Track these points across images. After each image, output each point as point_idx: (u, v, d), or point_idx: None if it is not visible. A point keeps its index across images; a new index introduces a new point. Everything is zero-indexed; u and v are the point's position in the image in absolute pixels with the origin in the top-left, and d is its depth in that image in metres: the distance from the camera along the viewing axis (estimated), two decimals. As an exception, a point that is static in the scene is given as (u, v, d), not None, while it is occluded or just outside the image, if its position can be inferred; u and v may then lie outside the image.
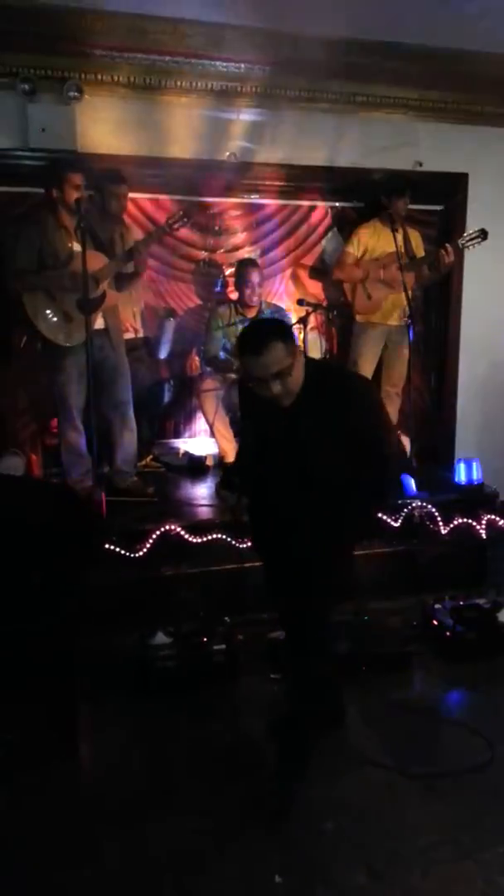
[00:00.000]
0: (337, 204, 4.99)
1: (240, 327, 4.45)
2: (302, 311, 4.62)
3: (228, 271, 4.91)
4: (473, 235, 4.32)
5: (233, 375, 4.40)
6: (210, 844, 2.21)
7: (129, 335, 4.36)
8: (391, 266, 4.38)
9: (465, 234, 4.39)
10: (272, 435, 2.41)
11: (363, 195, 4.90)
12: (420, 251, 4.60)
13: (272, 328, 2.35)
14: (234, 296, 4.70)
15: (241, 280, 4.41)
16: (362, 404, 2.45)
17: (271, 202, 4.89)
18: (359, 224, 4.65)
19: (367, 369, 4.63)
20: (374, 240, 4.49)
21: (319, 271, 5.11)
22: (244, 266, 4.46)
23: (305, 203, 4.92)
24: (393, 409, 4.86)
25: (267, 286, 4.76)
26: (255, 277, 4.40)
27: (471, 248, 4.36)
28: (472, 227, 4.49)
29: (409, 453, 4.61)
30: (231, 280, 4.85)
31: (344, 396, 2.38)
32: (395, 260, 4.33)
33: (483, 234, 4.29)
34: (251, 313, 4.46)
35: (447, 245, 4.38)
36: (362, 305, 4.54)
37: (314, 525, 2.33)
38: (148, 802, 2.40)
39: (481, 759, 2.60)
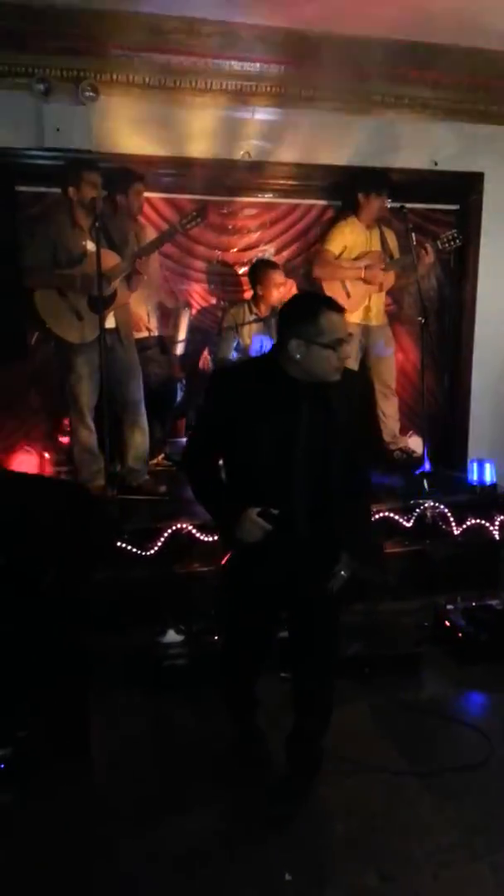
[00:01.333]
0: (340, 203, 4.94)
1: (254, 327, 4.45)
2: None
3: (241, 270, 4.90)
4: (451, 237, 4.38)
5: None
6: (220, 843, 2.21)
7: (143, 334, 4.37)
8: (373, 266, 4.39)
9: (442, 236, 4.42)
10: (267, 433, 2.09)
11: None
12: (396, 251, 4.59)
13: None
14: (247, 295, 4.69)
15: (266, 281, 4.38)
16: (368, 396, 2.33)
17: (285, 201, 4.87)
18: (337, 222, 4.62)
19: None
20: (352, 238, 4.48)
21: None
22: (269, 269, 4.43)
23: (319, 202, 4.90)
24: (392, 408, 4.83)
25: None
26: (281, 279, 4.39)
27: (448, 248, 4.43)
28: (487, 227, 4.47)
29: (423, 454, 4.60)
30: (245, 279, 4.84)
31: (352, 386, 2.20)
32: (376, 259, 4.33)
33: (458, 238, 4.38)
34: (265, 313, 4.45)
35: (427, 245, 4.38)
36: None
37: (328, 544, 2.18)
38: (158, 800, 2.41)
39: (493, 762, 2.58)
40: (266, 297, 4.38)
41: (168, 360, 4.60)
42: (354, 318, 4.51)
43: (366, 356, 4.69)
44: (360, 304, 4.50)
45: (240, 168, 4.40)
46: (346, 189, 4.64)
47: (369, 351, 4.67)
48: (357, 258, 4.46)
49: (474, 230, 4.91)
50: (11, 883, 2.07)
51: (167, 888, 2.05)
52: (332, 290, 4.50)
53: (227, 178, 4.49)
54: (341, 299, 4.43)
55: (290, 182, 4.65)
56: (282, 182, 4.64)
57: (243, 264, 4.89)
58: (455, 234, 4.40)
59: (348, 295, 4.49)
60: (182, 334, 4.63)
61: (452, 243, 4.41)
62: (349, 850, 2.19)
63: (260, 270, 4.42)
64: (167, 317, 4.69)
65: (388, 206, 4.54)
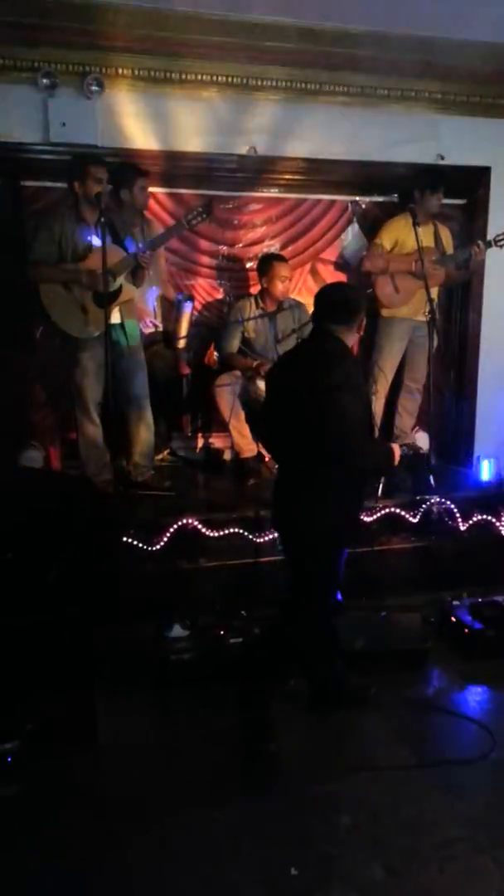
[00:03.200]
0: (357, 198, 4.95)
1: (259, 323, 4.44)
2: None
3: (247, 265, 4.89)
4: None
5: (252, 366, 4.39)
6: (227, 836, 2.21)
7: (149, 329, 4.37)
8: (425, 259, 4.36)
9: (500, 233, 4.39)
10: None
11: (385, 189, 4.86)
12: (450, 247, 4.58)
13: None
14: (254, 290, 4.69)
15: (273, 275, 4.37)
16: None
17: (291, 196, 4.86)
18: (382, 218, 4.64)
19: (389, 365, 4.61)
20: (404, 234, 4.47)
21: (341, 266, 5.08)
22: (275, 261, 4.42)
23: (325, 197, 4.89)
24: (413, 406, 4.83)
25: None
26: (287, 272, 4.38)
27: (501, 245, 4.40)
28: (494, 221, 4.44)
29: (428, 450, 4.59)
30: (250, 274, 4.83)
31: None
32: (427, 254, 4.31)
33: None
34: (271, 307, 4.44)
35: (479, 242, 4.39)
36: (389, 299, 4.51)
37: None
38: (164, 794, 2.41)
39: (497, 756, 2.58)
40: (271, 290, 4.38)
41: (174, 354, 4.59)
42: (402, 313, 4.52)
43: (408, 351, 4.70)
44: (409, 298, 4.50)
45: (246, 163, 4.38)
46: (383, 185, 4.69)
47: (413, 346, 4.66)
48: (409, 254, 4.45)
49: (481, 224, 4.88)
50: (17, 876, 2.07)
51: (173, 882, 2.06)
52: (382, 283, 4.50)
53: (232, 172, 4.48)
54: (390, 294, 4.46)
55: (296, 177, 4.64)
56: (288, 177, 4.63)
57: (249, 259, 4.88)
58: None
59: (397, 290, 4.49)
60: (184, 329, 4.61)
61: None
62: (355, 844, 2.19)
63: (266, 263, 4.42)
64: (170, 311, 4.67)
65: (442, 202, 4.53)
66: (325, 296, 2.68)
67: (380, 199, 4.96)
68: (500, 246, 4.39)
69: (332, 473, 2.48)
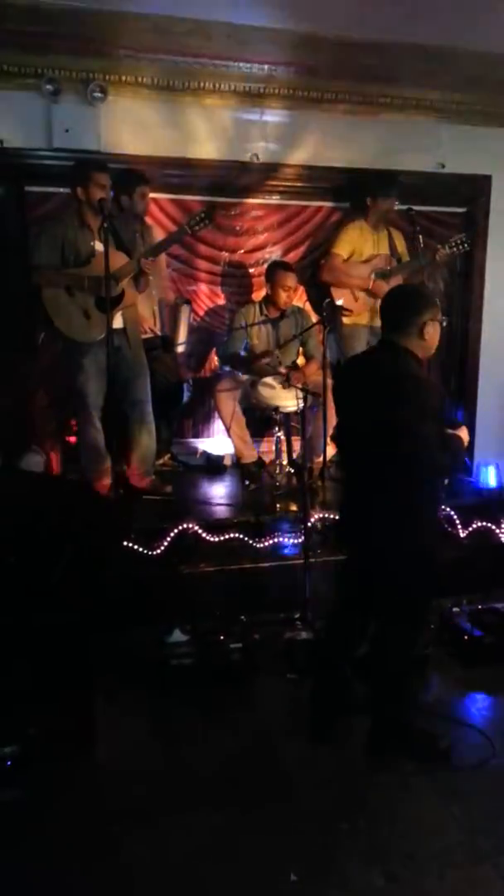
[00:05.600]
0: (349, 205, 4.95)
1: (262, 328, 4.46)
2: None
3: (250, 272, 4.91)
4: (459, 241, 4.39)
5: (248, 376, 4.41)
6: (225, 843, 2.21)
7: (149, 335, 4.37)
8: (382, 267, 4.41)
9: (450, 240, 4.43)
10: None
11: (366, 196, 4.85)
12: (405, 253, 4.59)
13: None
14: (256, 296, 4.71)
15: (276, 283, 4.38)
16: None
17: (293, 203, 4.88)
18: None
19: None
20: (360, 242, 4.48)
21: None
22: (279, 270, 4.42)
23: (327, 204, 4.91)
24: None
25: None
26: (291, 282, 4.40)
27: (456, 252, 4.44)
28: (495, 230, 4.45)
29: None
30: (253, 281, 4.85)
31: None
32: (384, 261, 4.34)
33: (465, 242, 4.40)
34: (274, 314, 4.46)
35: (439, 248, 4.41)
36: (350, 307, 4.51)
37: None
38: (165, 798, 2.41)
39: (497, 763, 2.58)
40: (274, 298, 4.40)
41: (174, 360, 4.60)
42: (362, 319, 4.52)
43: None
44: (367, 306, 4.50)
45: (248, 170, 4.41)
46: (353, 191, 4.65)
47: None
48: (366, 261, 4.46)
49: (482, 233, 4.90)
50: (18, 878, 2.07)
51: (172, 887, 2.05)
52: (340, 293, 4.50)
53: (235, 179, 4.50)
54: (349, 302, 4.47)
55: (298, 184, 4.65)
56: (290, 184, 4.65)
57: (251, 265, 4.90)
58: (463, 238, 4.41)
59: (355, 298, 4.50)
60: (183, 334, 4.62)
61: (461, 247, 4.41)
62: (355, 850, 2.19)
63: (271, 270, 4.44)
64: (168, 316, 4.69)
65: (396, 208, 4.55)
66: (384, 300, 2.55)
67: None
68: (455, 252, 4.43)
69: (414, 491, 2.38)
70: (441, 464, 2.49)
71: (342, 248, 4.50)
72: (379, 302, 4.32)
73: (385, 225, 4.56)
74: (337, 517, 2.84)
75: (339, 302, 4.44)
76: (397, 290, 2.92)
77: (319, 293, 4.65)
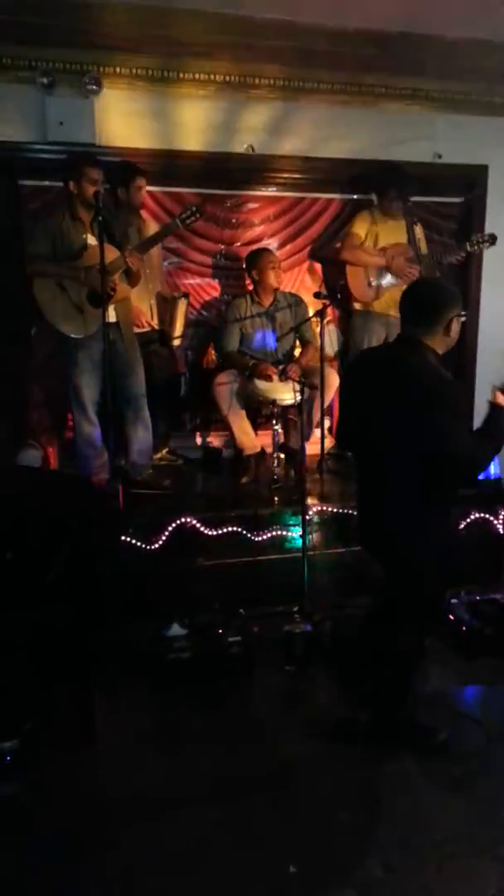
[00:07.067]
0: (355, 196, 4.94)
1: (257, 320, 4.44)
2: (319, 304, 4.58)
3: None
4: (484, 238, 4.42)
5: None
6: (224, 836, 2.22)
7: (145, 329, 4.36)
8: (399, 257, 4.38)
9: (474, 237, 4.46)
10: None
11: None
12: (423, 246, 4.58)
13: None
14: (250, 288, 4.69)
15: (262, 266, 4.34)
16: None
17: (289, 195, 4.86)
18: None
19: None
20: (377, 226, 4.48)
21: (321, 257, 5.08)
22: (261, 252, 4.40)
23: (323, 196, 4.89)
24: None
25: (284, 279, 4.73)
26: (275, 259, 4.38)
27: (479, 249, 4.47)
28: (491, 220, 4.44)
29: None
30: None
31: None
32: (402, 251, 4.32)
33: (492, 239, 4.41)
34: (267, 300, 4.44)
35: (466, 245, 4.43)
36: (361, 292, 4.51)
37: None
38: (162, 793, 2.41)
39: (495, 754, 2.58)
40: (264, 281, 4.36)
41: (171, 353, 4.58)
42: (376, 308, 4.52)
43: None
44: (381, 293, 4.49)
45: (243, 161, 4.38)
46: (374, 182, 4.64)
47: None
48: (384, 248, 4.45)
49: (478, 223, 4.89)
50: (16, 874, 2.08)
51: (171, 881, 2.06)
52: (356, 275, 4.50)
53: (230, 171, 4.48)
54: (363, 287, 4.45)
55: (294, 175, 4.64)
56: (285, 175, 4.64)
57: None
58: (490, 235, 4.43)
59: (369, 284, 4.49)
60: (179, 327, 4.60)
61: (486, 244, 4.44)
62: (353, 841, 2.20)
63: (253, 257, 4.42)
64: (165, 310, 4.67)
65: (411, 201, 4.54)
66: (407, 295, 2.45)
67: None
68: (478, 249, 4.44)
69: (432, 493, 2.35)
70: (483, 459, 2.38)
71: (360, 228, 4.50)
72: (391, 291, 4.44)
73: (406, 217, 4.53)
74: (355, 515, 2.76)
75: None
76: (423, 284, 2.83)
77: (333, 275, 4.71)
